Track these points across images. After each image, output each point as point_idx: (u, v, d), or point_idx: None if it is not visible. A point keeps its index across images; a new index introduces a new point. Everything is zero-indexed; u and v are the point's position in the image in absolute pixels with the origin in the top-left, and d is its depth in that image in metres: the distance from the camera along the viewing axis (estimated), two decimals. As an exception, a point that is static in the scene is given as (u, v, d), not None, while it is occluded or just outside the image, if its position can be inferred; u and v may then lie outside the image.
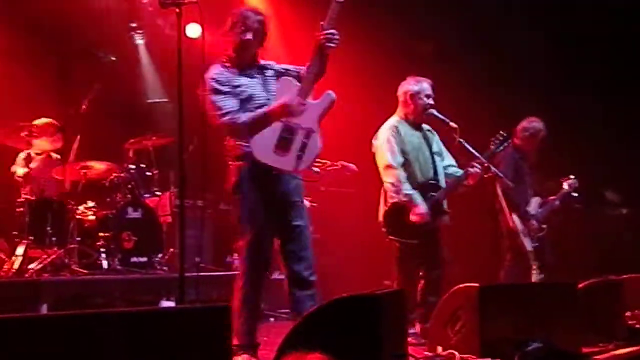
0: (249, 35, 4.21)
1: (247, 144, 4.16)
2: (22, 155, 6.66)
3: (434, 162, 5.25)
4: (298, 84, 4.20)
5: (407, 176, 5.15)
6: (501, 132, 5.27)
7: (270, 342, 4.43)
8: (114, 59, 8.15)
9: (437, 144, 5.34)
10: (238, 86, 4.20)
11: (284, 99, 4.12)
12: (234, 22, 4.23)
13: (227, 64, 4.28)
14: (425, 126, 5.34)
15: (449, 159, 5.36)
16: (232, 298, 4.25)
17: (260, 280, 4.27)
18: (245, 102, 4.19)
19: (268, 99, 4.22)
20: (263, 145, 4.11)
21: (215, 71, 4.24)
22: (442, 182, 5.24)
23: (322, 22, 4.08)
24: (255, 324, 4.29)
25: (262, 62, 4.35)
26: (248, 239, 4.20)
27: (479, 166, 5.11)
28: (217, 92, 4.17)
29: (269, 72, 4.32)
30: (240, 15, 4.24)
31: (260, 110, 4.14)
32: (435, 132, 5.38)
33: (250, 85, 4.25)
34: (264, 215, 4.20)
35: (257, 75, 4.30)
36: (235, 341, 4.13)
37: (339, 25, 4.09)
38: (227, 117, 4.13)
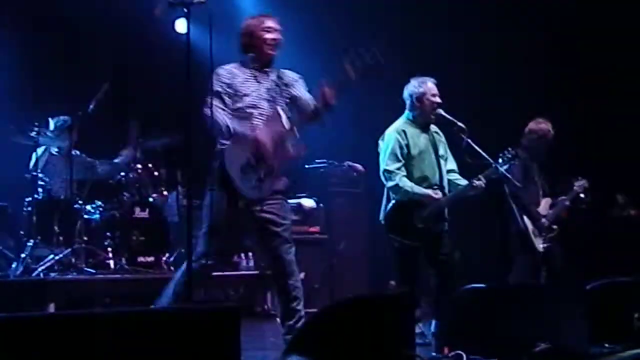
0: (270, 36, 4.34)
1: (222, 143, 4.29)
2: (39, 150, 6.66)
3: (439, 166, 5.22)
4: (285, 123, 4.27)
5: (412, 179, 5.12)
6: (509, 148, 5.20)
7: (279, 343, 4.42)
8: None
9: (444, 148, 5.30)
10: (230, 85, 4.31)
11: (260, 137, 4.21)
12: (255, 25, 4.37)
13: (242, 63, 4.41)
14: (433, 128, 5.29)
15: (452, 164, 5.32)
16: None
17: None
18: (234, 96, 4.31)
19: (258, 101, 4.32)
20: (233, 157, 4.25)
21: (224, 66, 4.37)
22: (446, 188, 5.21)
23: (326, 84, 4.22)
24: None
25: (279, 69, 4.45)
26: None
27: (484, 180, 5.06)
28: (214, 85, 4.29)
29: (281, 80, 4.41)
30: (262, 17, 4.40)
31: (236, 129, 4.24)
32: (442, 135, 5.33)
33: (249, 86, 4.34)
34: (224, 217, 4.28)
35: (265, 80, 4.38)
36: None
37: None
38: (207, 110, 4.18)
